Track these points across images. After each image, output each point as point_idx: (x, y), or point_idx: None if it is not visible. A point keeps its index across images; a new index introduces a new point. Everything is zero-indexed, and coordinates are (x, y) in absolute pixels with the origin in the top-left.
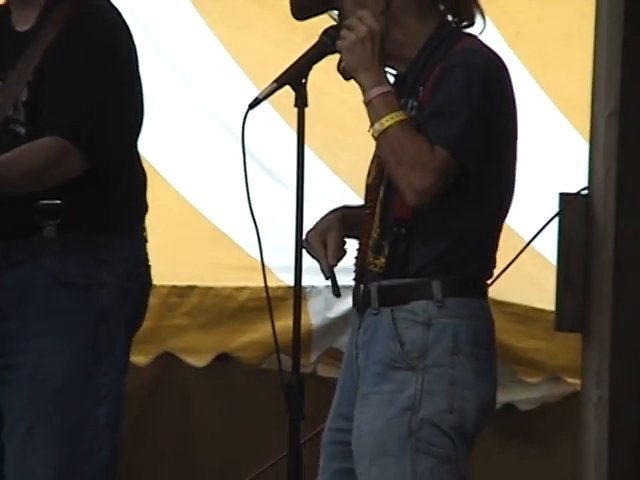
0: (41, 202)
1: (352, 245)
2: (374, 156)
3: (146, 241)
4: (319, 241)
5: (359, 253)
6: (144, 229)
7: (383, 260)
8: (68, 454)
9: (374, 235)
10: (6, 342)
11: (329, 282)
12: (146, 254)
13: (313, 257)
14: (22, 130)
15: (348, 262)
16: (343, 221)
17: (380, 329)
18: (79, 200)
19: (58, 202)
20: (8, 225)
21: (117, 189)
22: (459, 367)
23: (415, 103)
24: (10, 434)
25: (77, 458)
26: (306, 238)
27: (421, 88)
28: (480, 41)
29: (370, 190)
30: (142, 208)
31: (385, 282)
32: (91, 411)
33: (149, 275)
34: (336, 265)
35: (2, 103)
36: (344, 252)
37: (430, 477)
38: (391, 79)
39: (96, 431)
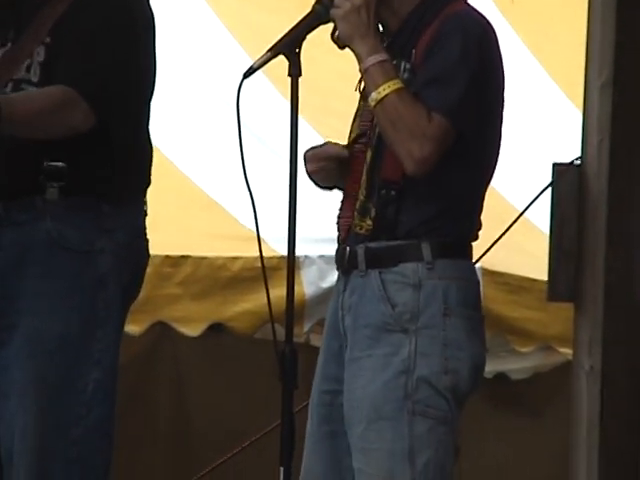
0: (46, 163)
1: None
2: (355, 114)
3: (146, 214)
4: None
5: (341, 213)
6: (145, 202)
7: (370, 222)
8: (56, 416)
9: (360, 197)
10: (5, 302)
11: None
12: (145, 227)
13: (310, 171)
14: (33, 90)
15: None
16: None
17: (368, 291)
18: (84, 165)
19: (62, 164)
20: (11, 183)
21: (123, 159)
22: (451, 328)
23: (408, 66)
24: (6, 394)
25: (64, 422)
26: (304, 155)
27: (413, 50)
28: (471, 6)
29: (354, 149)
30: (146, 181)
31: (372, 244)
32: (82, 376)
33: (147, 247)
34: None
35: (11, 63)
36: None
37: (428, 439)
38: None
39: (85, 396)
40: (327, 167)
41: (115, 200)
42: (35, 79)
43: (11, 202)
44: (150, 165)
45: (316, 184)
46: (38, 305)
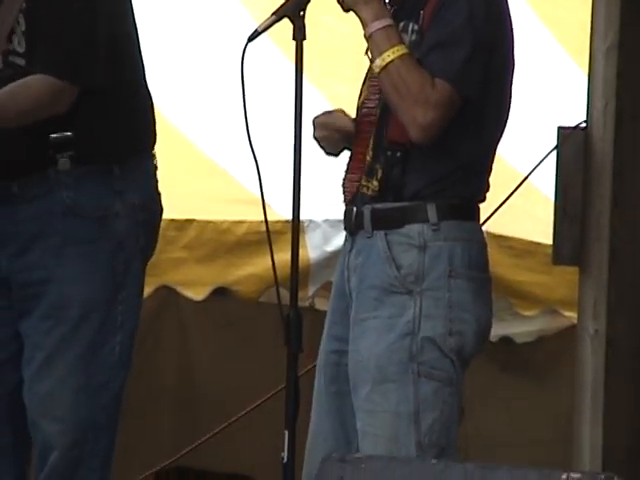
0: (52, 136)
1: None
2: (365, 77)
3: (156, 169)
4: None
5: (348, 175)
6: (154, 156)
7: (376, 183)
8: (86, 382)
9: (367, 158)
10: (27, 274)
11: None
12: (157, 182)
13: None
14: (22, 61)
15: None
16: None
17: (374, 252)
18: (89, 131)
19: (69, 134)
20: (22, 161)
21: (125, 118)
22: (456, 290)
23: (416, 27)
24: (29, 362)
25: (95, 386)
26: (314, 121)
27: (421, 12)
28: None
29: (363, 112)
30: (151, 136)
31: (379, 205)
32: (109, 340)
33: (160, 203)
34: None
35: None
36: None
37: (433, 401)
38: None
39: (113, 359)
40: (333, 137)
41: (125, 160)
42: (21, 49)
43: (25, 179)
44: (153, 119)
45: (322, 148)
46: (60, 273)
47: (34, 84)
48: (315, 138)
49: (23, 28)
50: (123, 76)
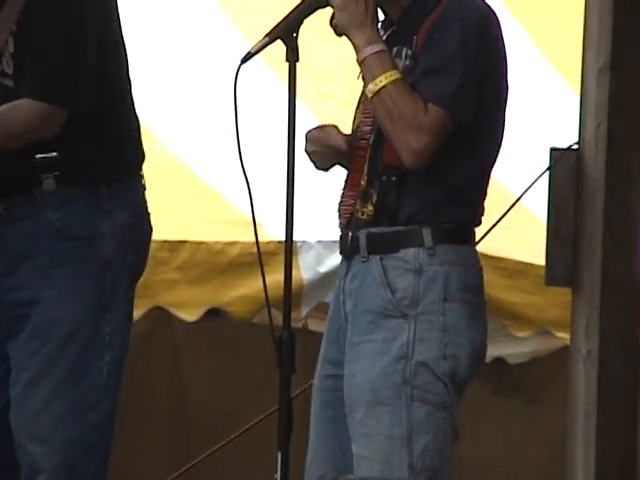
0: (37, 156)
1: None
2: (359, 102)
3: (145, 189)
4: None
5: (344, 199)
6: (142, 177)
7: (371, 208)
8: (72, 402)
9: (362, 183)
10: (14, 294)
11: None
12: (145, 202)
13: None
14: (10, 83)
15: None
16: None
17: (369, 277)
18: (75, 151)
19: (54, 154)
20: (7, 182)
21: (112, 138)
22: (451, 314)
23: (409, 52)
24: (14, 384)
25: (82, 407)
26: (306, 135)
27: (414, 38)
28: None
29: (357, 136)
30: (139, 156)
31: (374, 229)
32: (96, 360)
33: (149, 222)
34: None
35: None
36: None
37: (426, 424)
38: (383, 24)
39: (101, 380)
40: (323, 152)
41: (111, 180)
42: (9, 71)
43: (10, 200)
44: (140, 138)
45: (312, 162)
46: (47, 294)
47: (24, 108)
48: (306, 152)
49: (11, 50)
50: (110, 97)
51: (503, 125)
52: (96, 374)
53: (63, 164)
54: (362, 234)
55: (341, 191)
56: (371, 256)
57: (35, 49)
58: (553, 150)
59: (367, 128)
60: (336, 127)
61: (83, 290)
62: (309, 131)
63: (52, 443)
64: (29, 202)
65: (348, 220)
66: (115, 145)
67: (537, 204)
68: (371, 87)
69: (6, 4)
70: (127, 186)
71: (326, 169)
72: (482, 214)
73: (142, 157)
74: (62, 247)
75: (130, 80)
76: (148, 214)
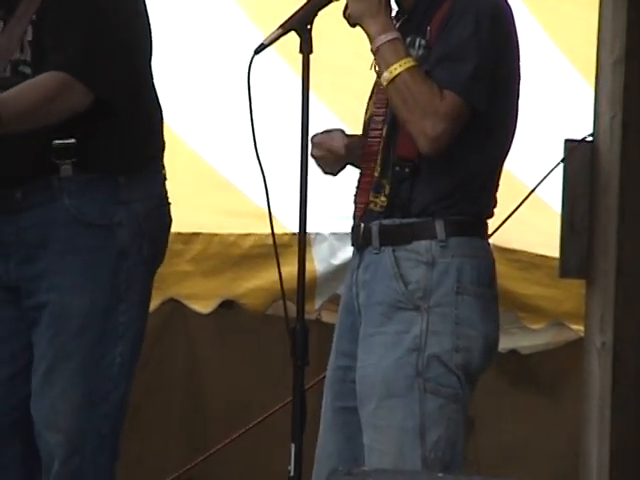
0: (55, 142)
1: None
2: (372, 92)
3: (165, 179)
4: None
5: (358, 190)
6: (163, 166)
7: (384, 199)
8: (86, 392)
9: (375, 174)
10: (33, 282)
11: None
12: (165, 192)
13: (317, 155)
14: (29, 70)
15: (351, 211)
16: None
17: (381, 268)
18: (93, 138)
19: (72, 141)
20: (25, 167)
21: (131, 126)
22: (463, 306)
23: (423, 42)
24: (35, 372)
25: (95, 396)
26: (312, 139)
27: (428, 27)
28: None
29: (370, 127)
30: (159, 145)
31: (386, 221)
32: (109, 350)
33: (169, 213)
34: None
35: (8, 44)
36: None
37: (438, 417)
38: (396, 15)
39: (113, 370)
40: (327, 157)
41: (130, 170)
42: (28, 58)
43: (28, 186)
44: (161, 128)
45: (319, 167)
46: (63, 282)
47: (42, 77)
48: (312, 156)
49: (30, 38)
50: (134, 86)
51: (516, 116)
52: (109, 364)
53: (81, 151)
54: (374, 225)
55: (357, 182)
56: (383, 248)
57: (57, 34)
58: (567, 142)
59: (380, 119)
60: (342, 131)
61: (97, 279)
62: (314, 135)
63: (66, 432)
64: (46, 188)
65: (362, 212)
66: (136, 135)
67: (551, 196)
68: (386, 75)
69: None
70: (146, 176)
71: (334, 173)
72: (494, 206)
73: (162, 147)
74: (77, 234)
75: (149, 67)
76: (168, 205)
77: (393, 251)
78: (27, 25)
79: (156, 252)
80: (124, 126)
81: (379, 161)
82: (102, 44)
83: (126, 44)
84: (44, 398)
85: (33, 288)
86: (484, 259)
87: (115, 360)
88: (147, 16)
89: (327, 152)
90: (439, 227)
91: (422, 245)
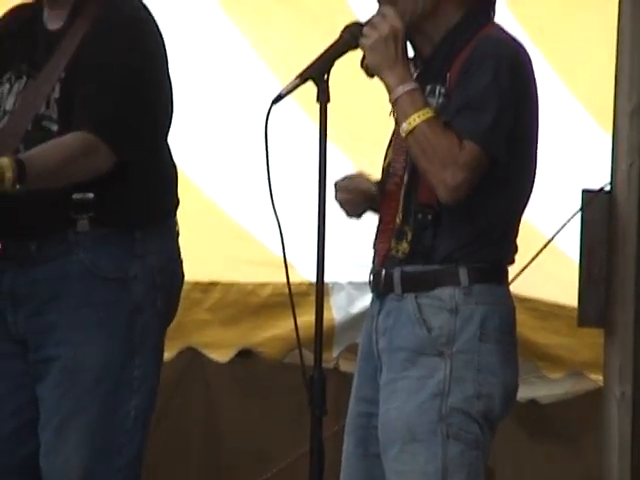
0: (74, 196)
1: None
2: (391, 139)
3: (178, 235)
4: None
5: (378, 237)
6: (176, 223)
7: (406, 246)
8: (100, 447)
9: (397, 221)
10: (42, 336)
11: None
12: (178, 248)
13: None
14: (54, 127)
15: (369, 260)
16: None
17: (404, 315)
18: (111, 194)
19: (91, 196)
20: (42, 220)
21: (149, 183)
22: (485, 353)
23: (442, 90)
24: (45, 426)
25: (109, 451)
26: (336, 184)
27: (447, 75)
28: (503, 29)
29: (389, 173)
30: (174, 202)
31: (408, 268)
32: (123, 404)
33: (181, 268)
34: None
35: (34, 100)
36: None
37: (460, 462)
38: (413, 61)
39: (128, 424)
40: (355, 199)
41: (145, 225)
42: (54, 115)
43: (44, 239)
44: (176, 185)
45: (344, 211)
46: (75, 336)
47: (68, 137)
48: (337, 200)
49: (57, 95)
50: (153, 144)
51: (535, 163)
52: (123, 418)
53: (99, 206)
54: (397, 272)
55: (375, 229)
56: (406, 294)
57: (87, 95)
58: (585, 192)
59: (400, 165)
60: (363, 174)
61: (112, 333)
62: (337, 181)
63: None
64: (62, 242)
65: (383, 258)
66: (152, 191)
67: (569, 245)
68: (405, 126)
69: (56, 52)
70: (160, 230)
71: (358, 216)
72: (515, 252)
73: (177, 203)
74: (92, 288)
75: (169, 126)
76: (181, 260)
77: (415, 297)
78: (55, 83)
79: (169, 306)
80: (142, 181)
81: (401, 208)
82: (132, 109)
83: (152, 104)
84: (57, 453)
85: (41, 341)
86: (506, 306)
87: (130, 414)
88: (168, 68)
89: (354, 195)
90: (462, 274)
91: (445, 292)
